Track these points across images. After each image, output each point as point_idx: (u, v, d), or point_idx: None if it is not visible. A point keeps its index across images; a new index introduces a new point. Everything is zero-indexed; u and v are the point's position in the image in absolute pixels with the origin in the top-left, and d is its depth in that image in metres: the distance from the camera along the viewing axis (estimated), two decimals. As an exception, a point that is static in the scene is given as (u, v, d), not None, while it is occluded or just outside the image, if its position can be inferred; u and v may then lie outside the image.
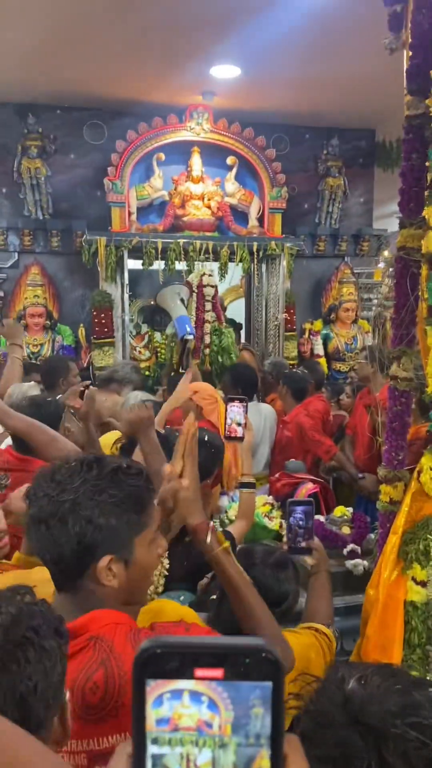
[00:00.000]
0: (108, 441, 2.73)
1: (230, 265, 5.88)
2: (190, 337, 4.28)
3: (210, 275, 5.39)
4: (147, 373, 5.70)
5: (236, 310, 7.60)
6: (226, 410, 2.22)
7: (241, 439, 2.17)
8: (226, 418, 2.22)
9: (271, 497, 3.15)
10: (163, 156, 5.75)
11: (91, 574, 1.05)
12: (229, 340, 5.28)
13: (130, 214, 5.69)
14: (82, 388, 2.62)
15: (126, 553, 1.07)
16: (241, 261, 5.85)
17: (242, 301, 7.03)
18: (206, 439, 2.27)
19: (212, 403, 3.16)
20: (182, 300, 4.67)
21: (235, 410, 2.20)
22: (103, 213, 5.74)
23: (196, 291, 5.27)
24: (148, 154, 5.73)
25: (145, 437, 1.81)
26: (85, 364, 5.57)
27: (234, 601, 1.19)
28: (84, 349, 5.69)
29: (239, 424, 2.18)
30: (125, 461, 1.12)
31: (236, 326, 6.28)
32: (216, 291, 5.46)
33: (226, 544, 1.21)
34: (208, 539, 1.18)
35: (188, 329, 4.34)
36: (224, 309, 6.20)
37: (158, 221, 5.84)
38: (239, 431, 2.17)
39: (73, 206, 5.80)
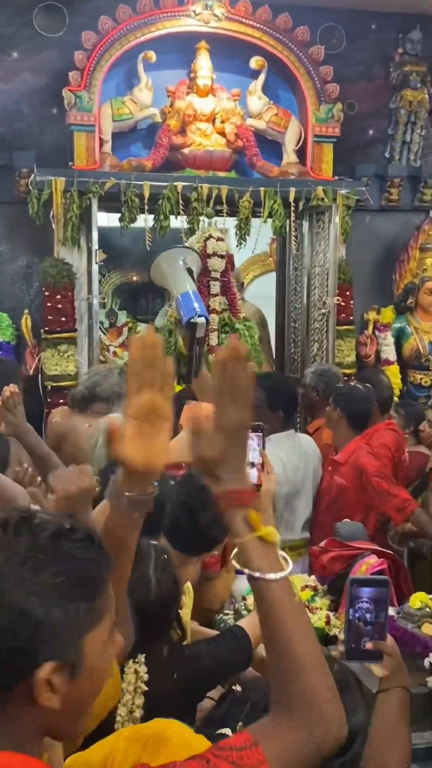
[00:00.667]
0: None
1: (254, 222, 5.93)
2: (201, 320, 4.18)
3: (220, 239, 5.31)
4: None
5: (261, 292, 7.58)
6: None
7: (258, 487, 2.24)
8: None
9: (313, 577, 3.21)
10: (153, 56, 5.82)
11: (21, 690, 1.07)
12: (251, 340, 5.13)
13: (102, 143, 5.75)
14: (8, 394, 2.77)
15: (73, 657, 1.09)
16: (270, 216, 5.89)
17: (270, 278, 6.99)
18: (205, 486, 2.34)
19: None
20: (189, 270, 4.56)
21: (253, 447, 2.27)
22: (60, 141, 5.78)
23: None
24: (130, 53, 5.78)
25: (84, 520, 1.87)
26: (30, 371, 5.61)
27: (269, 638, 1.22)
28: (30, 348, 5.72)
29: (253, 465, 2.26)
30: (69, 521, 1.15)
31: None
32: (229, 263, 5.40)
33: (266, 530, 1.25)
34: (239, 520, 1.25)
35: (197, 308, 4.24)
36: (241, 291, 6.18)
37: (145, 154, 5.90)
38: (253, 477, 2.25)
39: (16, 131, 5.85)
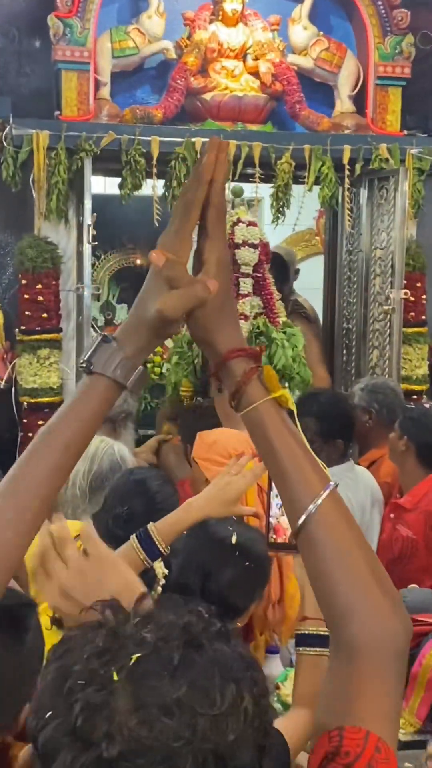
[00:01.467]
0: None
1: (295, 190, 5.93)
2: None
3: (252, 223, 5.15)
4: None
5: (305, 281, 7.57)
6: (269, 489, 2.39)
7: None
8: (269, 506, 2.39)
9: None
10: None
11: None
12: (294, 351, 5.08)
13: (98, 85, 5.77)
14: None
15: None
16: (317, 183, 5.89)
17: (317, 263, 6.98)
18: (238, 544, 2.51)
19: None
20: None
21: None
22: (44, 84, 5.81)
23: None
24: None
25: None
26: (1, 384, 5.63)
27: (274, 475, 1.44)
28: (1, 353, 5.74)
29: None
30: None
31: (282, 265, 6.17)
32: (264, 255, 5.19)
33: (280, 392, 1.41)
34: (254, 383, 1.40)
35: None
36: (285, 277, 6.15)
37: (154, 101, 5.91)
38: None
39: None
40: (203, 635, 1.15)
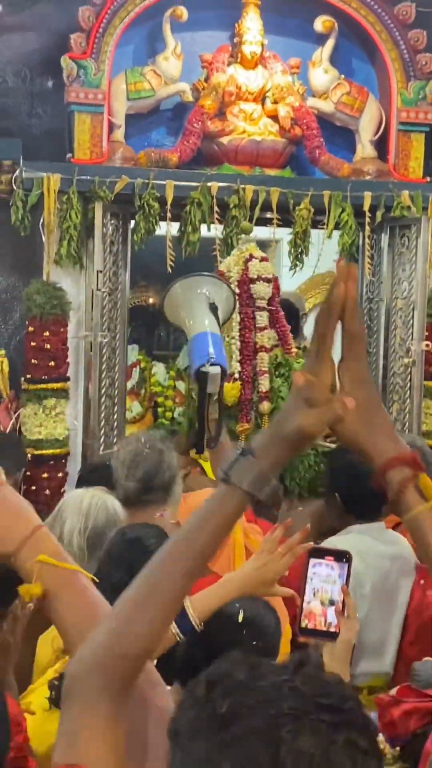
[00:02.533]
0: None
1: (315, 235, 5.88)
2: (214, 369, 4.15)
3: (264, 258, 5.22)
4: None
5: None
6: (307, 571, 2.38)
7: (334, 636, 2.36)
8: (303, 590, 2.37)
9: (381, 736, 3.07)
10: (185, 13, 5.83)
11: None
12: None
13: (112, 128, 5.76)
14: None
15: None
16: (337, 229, 5.84)
17: None
18: (246, 620, 2.51)
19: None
20: (212, 305, 4.54)
21: (326, 574, 2.36)
22: (56, 125, 5.81)
23: (237, 290, 5.12)
24: (154, 9, 5.79)
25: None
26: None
27: None
28: (6, 402, 5.66)
29: (332, 604, 2.35)
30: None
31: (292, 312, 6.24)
32: (275, 288, 5.25)
33: None
34: (411, 490, 1.49)
35: (211, 353, 4.19)
36: (296, 321, 6.13)
37: (169, 144, 5.90)
38: (331, 620, 2.35)
39: None
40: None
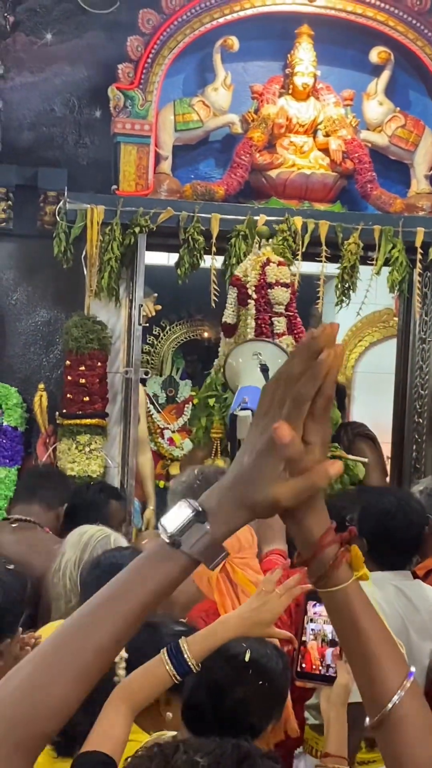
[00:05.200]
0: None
1: (364, 271, 5.89)
2: (245, 413, 4.25)
3: (281, 263, 5.31)
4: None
5: (379, 365, 7.47)
6: (305, 615, 2.43)
7: (332, 680, 2.43)
8: (301, 632, 2.41)
9: None
10: (235, 43, 5.88)
11: None
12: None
13: (158, 160, 5.81)
14: None
15: None
16: (388, 264, 5.85)
17: (393, 345, 6.90)
18: (252, 661, 2.55)
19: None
20: (264, 368, 4.66)
21: (324, 617, 2.38)
22: (101, 156, 5.87)
23: (254, 296, 5.23)
24: (204, 40, 5.84)
25: None
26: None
27: (354, 655, 1.52)
28: (44, 437, 5.73)
29: (332, 645, 2.40)
30: None
31: (339, 394, 6.34)
32: (292, 292, 5.36)
33: (363, 570, 1.50)
34: (340, 565, 1.46)
35: (246, 400, 4.32)
36: (341, 401, 6.41)
37: (217, 177, 5.94)
38: (329, 662, 2.41)
39: (42, 140, 5.94)
40: (255, 752, 1.28)
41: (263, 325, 5.14)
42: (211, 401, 5.19)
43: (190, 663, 2.43)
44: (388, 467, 6.41)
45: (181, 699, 2.53)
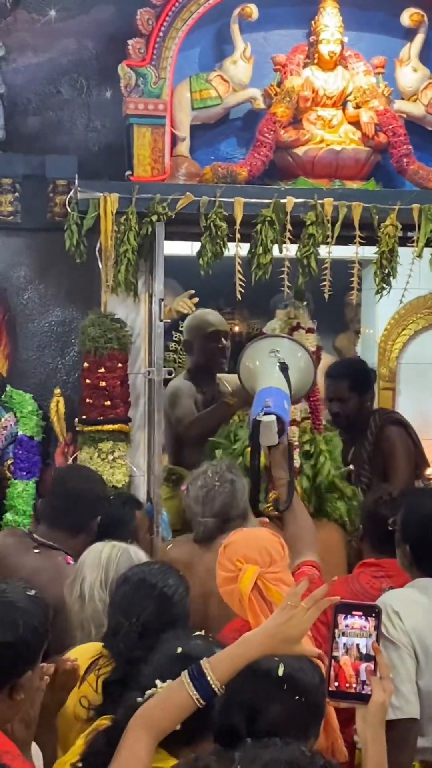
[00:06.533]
0: (81, 659, 3.27)
1: (404, 254, 5.70)
2: (268, 418, 4.18)
3: (310, 330, 5.53)
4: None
5: (424, 355, 7.40)
6: (334, 627, 2.49)
7: (367, 698, 2.46)
8: (331, 648, 2.48)
9: None
10: (254, 11, 5.76)
11: None
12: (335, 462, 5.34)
13: (175, 140, 5.68)
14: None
15: None
16: (430, 245, 5.68)
17: None
18: (286, 675, 2.58)
19: (232, 580, 3.40)
20: (283, 366, 4.61)
21: (359, 626, 2.47)
22: (113, 140, 5.83)
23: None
24: (220, 9, 5.72)
25: None
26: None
27: None
28: (62, 446, 5.66)
29: (366, 660, 2.46)
30: None
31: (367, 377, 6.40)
32: (317, 358, 5.48)
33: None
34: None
35: (268, 404, 4.24)
36: (371, 393, 6.43)
37: (239, 157, 5.82)
38: (364, 678, 2.46)
39: (49, 125, 5.90)
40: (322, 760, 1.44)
41: None
42: (218, 452, 5.35)
43: (213, 686, 2.47)
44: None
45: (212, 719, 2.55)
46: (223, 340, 6.36)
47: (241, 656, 2.58)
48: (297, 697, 2.54)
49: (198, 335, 6.30)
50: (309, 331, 5.53)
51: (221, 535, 4.16)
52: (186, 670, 2.52)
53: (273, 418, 4.11)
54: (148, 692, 2.58)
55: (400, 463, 5.91)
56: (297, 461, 5.27)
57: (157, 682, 2.57)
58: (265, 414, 4.12)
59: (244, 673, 2.56)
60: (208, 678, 2.47)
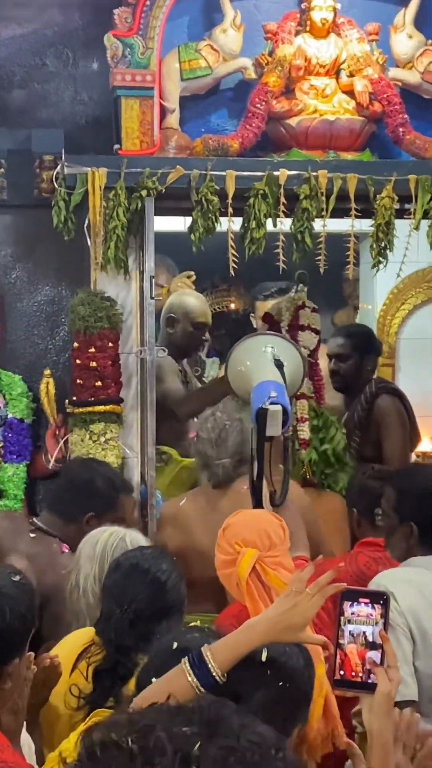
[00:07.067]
0: (73, 646, 3.35)
1: (401, 226, 5.66)
2: (275, 407, 4.21)
3: (315, 310, 5.75)
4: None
5: (425, 329, 7.44)
6: (340, 615, 2.47)
7: (373, 687, 2.43)
8: (337, 635, 2.46)
9: None
10: None
11: None
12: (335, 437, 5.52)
13: (164, 112, 5.63)
14: None
15: None
16: (428, 217, 5.63)
17: None
18: (270, 660, 2.57)
19: (230, 563, 3.38)
20: (277, 362, 4.67)
21: (366, 614, 2.47)
22: (100, 113, 5.79)
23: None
24: None
25: None
26: (51, 464, 5.54)
27: None
28: (53, 428, 5.64)
29: (372, 648, 2.44)
30: None
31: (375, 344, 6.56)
32: (318, 340, 5.78)
33: None
34: None
35: (272, 394, 4.27)
36: (375, 359, 6.59)
37: (231, 129, 5.76)
38: (370, 673, 2.44)
39: (34, 98, 5.87)
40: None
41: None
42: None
43: (215, 674, 2.44)
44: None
45: None
46: (207, 333, 6.52)
47: (244, 643, 2.56)
48: (282, 683, 2.53)
49: (185, 318, 6.31)
50: (314, 311, 5.66)
51: (238, 478, 4.38)
52: (186, 657, 2.49)
53: (279, 407, 4.14)
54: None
55: (394, 434, 5.95)
56: (306, 434, 5.46)
57: (154, 680, 2.53)
58: (272, 403, 4.15)
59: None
60: (209, 666, 2.45)
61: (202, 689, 2.42)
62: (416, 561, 3.70)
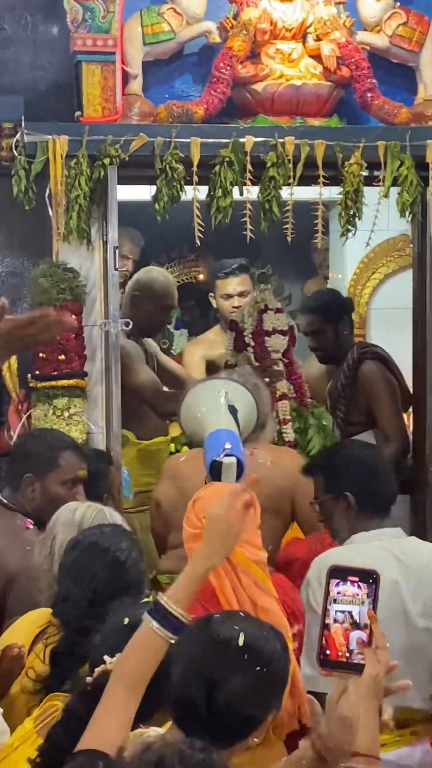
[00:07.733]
0: (29, 628, 3.39)
1: (370, 194, 5.65)
2: (229, 459, 4.25)
3: (279, 310, 5.86)
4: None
5: (396, 299, 7.38)
6: (327, 596, 2.44)
7: (361, 669, 2.43)
8: (324, 614, 2.43)
9: None
10: None
11: None
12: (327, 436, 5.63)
13: (127, 78, 5.57)
14: None
15: None
16: (397, 184, 5.62)
17: (408, 278, 6.71)
18: (247, 645, 2.57)
19: (197, 537, 3.35)
20: (232, 409, 4.72)
21: (352, 594, 2.46)
22: (61, 79, 5.74)
23: (251, 343, 5.74)
24: None
25: None
26: (13, 439, 5.41)
27: None
28: (16, 403, 5.57)
29: (357, 628, 2.42)
30: None
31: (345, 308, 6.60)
32: (291, 339, 5.87)
33: None
34: None
35: (227, 447, 4.34)
36: (350, 322, 6.60)
37: (195, 95, 5.71)
38: (354, 649, 2.42)
39: None
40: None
41: (262, 374, 5.47)
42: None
43: (180, 616, 2.46)
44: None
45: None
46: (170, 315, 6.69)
47: (192, 576, 2.60)
48: (259, 668, 2.53)
49: (152, 299, 6.33)
50: (278, 311, 5.75)
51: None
52: (146, 613, 2.49)
53: (234, 460, 4.17)
54: (97, 669, 2.54)
55: (384, 401, 6.00)
56: (291, 435, 5.57)
57: (106, 658, 2.53)
58: (226, 455, 4.20)
59: (201, 643, 2.54)
60: (171, 610, 2.45)
61: (173, 636, 2.43)
62: (357, 537, 3.78)
